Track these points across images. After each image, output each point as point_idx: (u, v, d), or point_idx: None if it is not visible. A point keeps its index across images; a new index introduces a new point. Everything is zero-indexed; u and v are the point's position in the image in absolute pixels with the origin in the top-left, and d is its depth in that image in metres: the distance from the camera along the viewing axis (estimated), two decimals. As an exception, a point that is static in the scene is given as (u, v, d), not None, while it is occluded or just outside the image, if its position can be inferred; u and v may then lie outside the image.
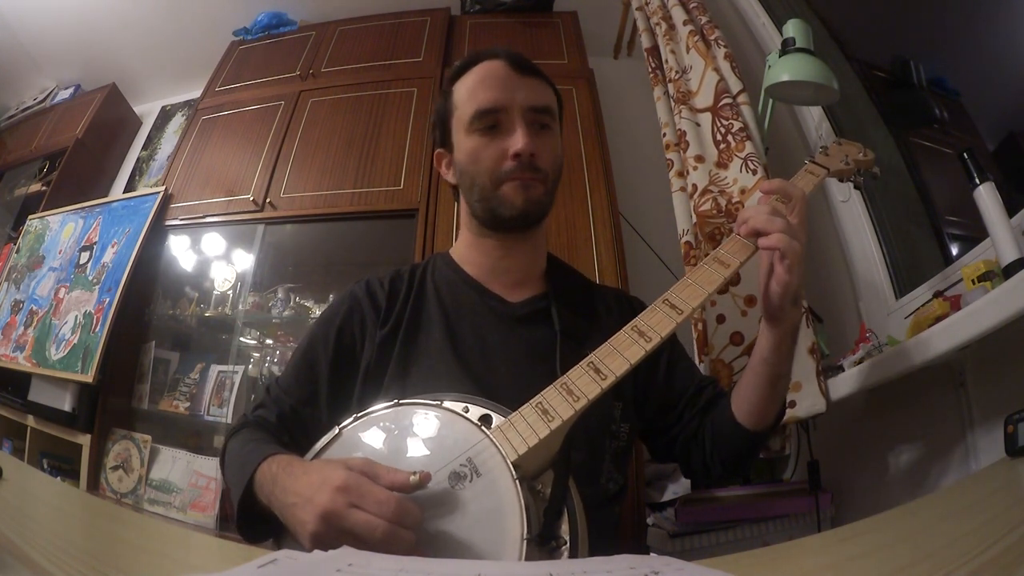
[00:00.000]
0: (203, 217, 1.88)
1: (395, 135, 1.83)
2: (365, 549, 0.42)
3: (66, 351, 1.77)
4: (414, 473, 0.47)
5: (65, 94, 2.77)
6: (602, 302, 0.84)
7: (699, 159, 1.27)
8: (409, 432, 0.54)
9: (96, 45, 2.61)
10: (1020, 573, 0.34)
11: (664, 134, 1.42)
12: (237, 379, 1.67)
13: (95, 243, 1.97)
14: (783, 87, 1.17)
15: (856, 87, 1.40)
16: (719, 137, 1.27)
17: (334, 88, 2.02)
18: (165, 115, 2.69)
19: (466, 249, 0.83)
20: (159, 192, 1.94)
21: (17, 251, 2.20)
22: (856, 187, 0.90)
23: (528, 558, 0.43)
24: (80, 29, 2.53)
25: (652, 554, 0.37)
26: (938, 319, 0.85)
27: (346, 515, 0.45)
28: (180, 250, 1.95)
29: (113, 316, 1.73)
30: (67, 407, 1.71)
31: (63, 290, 1.93)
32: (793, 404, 1.01)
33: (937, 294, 0.96)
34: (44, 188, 2.38)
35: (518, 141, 0.72)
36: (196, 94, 2.31)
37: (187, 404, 1.71)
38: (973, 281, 0.84)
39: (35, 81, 2.84)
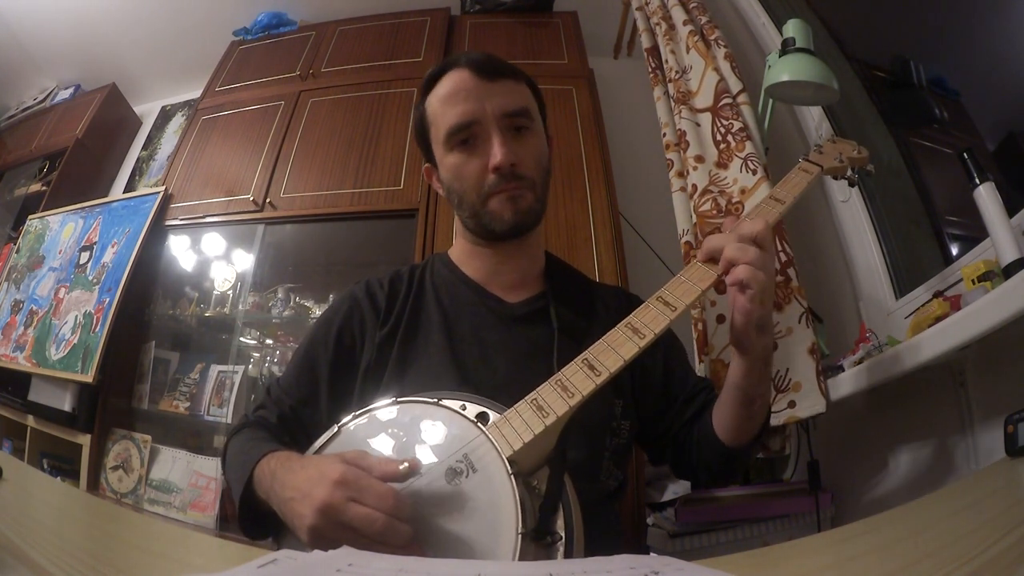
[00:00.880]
0: (203, 217, 1.88)
1: (395, 135, 1.83)
2: (362, 543, 0.43)
3: (66, 351, 1.77)
4: (402, 462, 0.47)
5: (65, 94, 2.77)
6: (601, 300, 0.84)
7: (699, 159, 1.27)
8: (407, 429, 0.55)
9: (96, 45, 2.61)
10: (1020, 573, 0.34)
11: (664, 134, 1.42)
12: (237, 379, 1.67)
13: (95, 243, 1.97)
14: (783, 87, 1.17)
15: (856, 87, 1.40)
16: (719, 137, 1.27)
17: (334, 88, 2.02)
18: (165, 115, 2.69)
19: (463, 254, 0.83)
20: (159, 192, 1.94)
21: (17, 251, 2.21)
22: (850, 184, 0.90)
23: (523, 553, 0.44)
24: (80, 29, 2.53)
25: (652, 554, 0.37)
26: (938, 319, 0.85)
27: (344, 508, 0.45)
28: (180, 250, 1.95)
29: (113, 316, 1.73)
30: (67, 407, 1.71)
31: (63, 290, 1.94)
32: (793, 404, 1.01)
33: (937, 294, 0.96)
34: (44, 188, 2.38)
35: (496, 155, 0.70)
36: (196, 94, 2.31)
37: (187, 404, 1.71)
38: (973, 281, 0.84)
39: (35, 81, 2.84)
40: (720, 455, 0.69)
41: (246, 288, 1.81)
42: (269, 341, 1.92)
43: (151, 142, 2.63)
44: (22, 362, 1.86)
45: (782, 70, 1.16)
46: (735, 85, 1.30)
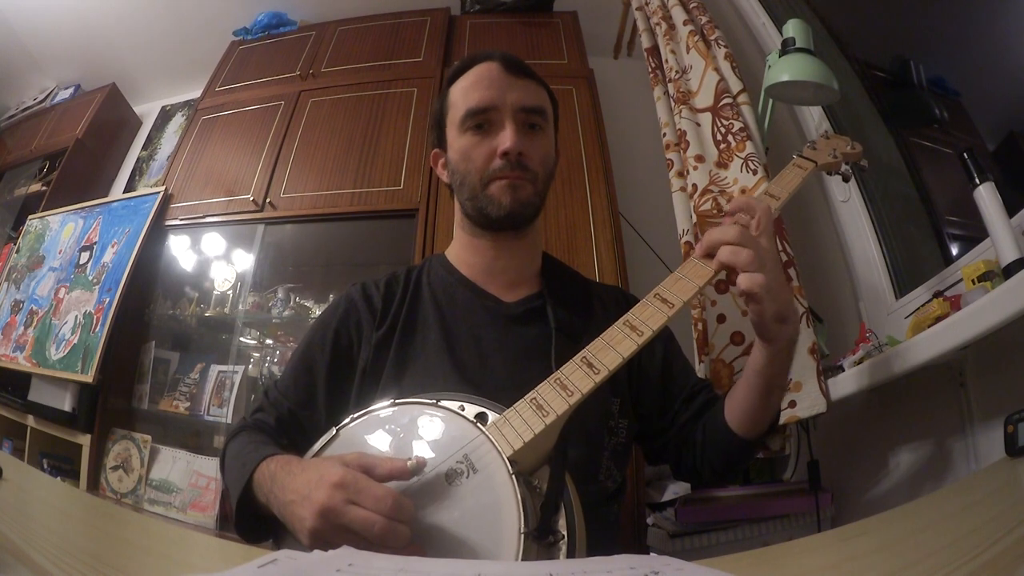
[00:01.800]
0: (203, 217, 1.88)
1: (395, 135, 1.83)
2: (362, 544, 0.43)
3: (66, 351, 1.77)
4: (410, 458, 0.47)
5: (65, 94, 2.77)
6: (598, 299, 0.84)
7: (699, 159, 1.27)
8: (406, 431, 0.55)
9: (96, 45, 2.61)
10: (1020, 573, 0.34)
11: (664, 134, 1.42)
12: (237, 379, 1.67)
13: (95, 243, 1.97)
14: (783, 87, 1.17)
15: (856, 87, 1.40)
16: (719, 137, 1.27)
17: (334, 88, 2.02)
18: (165, 115, 2.69)
19: (460, 250, 0.83)
20: (159, 192, 1.94)
21: (17, 251, 2.20)
22: (844, 179, 0.90)
23: (525, 553, 0.44)
24: (80, 29, 2.53)
25: (652, 554, 0.37)
26: (938, 319, 0.85)
27: (344, 511, 0.45)
28: (180, 250, 1.95)
29: (113, 316, 1.73)
30: (67, 407, 1.71)
31: (63, 290, 1.94)
32: (793, 404, 1.01)
33: (937, 294, 0.96)
34: (44, 188, 2.38)
35: (506, 140, 0.73)
36: (196, 94, 2.31)
37: (187, 404, 1.71)
38: (973, 281, 0.84)
39: (35, 81, 2.84)
40: (730, 449, 0.70)
41: (246, 288, 1.81)
42: (269, 341, 1.92)
43: (151, 142, 2.63)
44: (22, 362, 1.86)
45: (782, 70, 1.16)
46: (735, 85, 1.30)
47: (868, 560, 0.42)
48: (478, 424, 0.52)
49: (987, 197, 0.83)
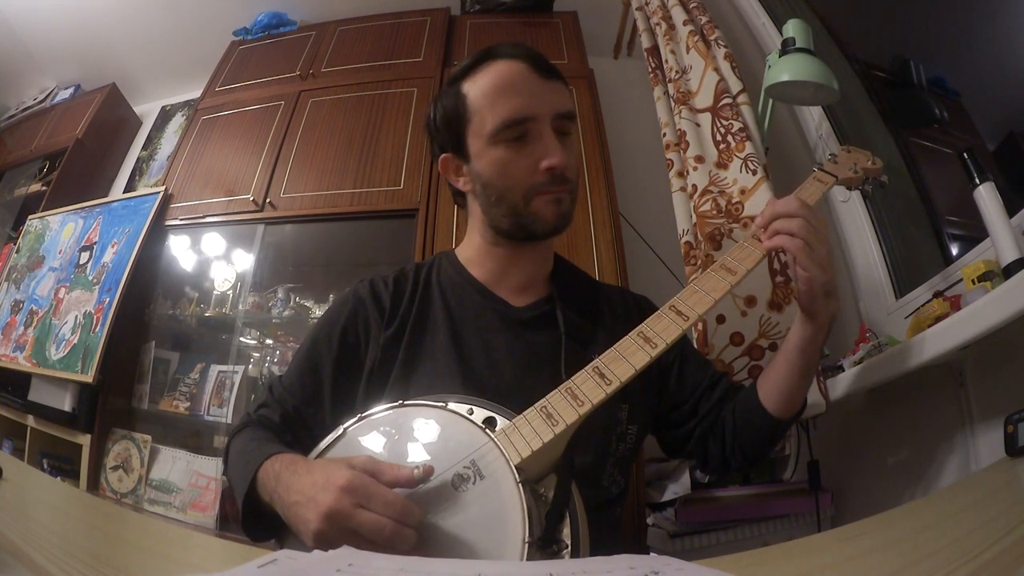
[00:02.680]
0: (203, 217, 1.88)
1: (395, 135, 1.83)
2: (367, 548, 0.43)
3: (66, 351, 1.77)
4: (417, 467, 0.47)
5: (65, 94, 2.77)
6: (607, 302, 0.83)
7: (699, 159, 1.27)
8: (413, 433, 0.55)
9: (96, 45, 2.61)
10: (1020, 573, 0.34)
11: (664, 134, 1.42)
12: (237, 379, 1.67)
13: (95, 243, 1.97)
14: (783, 87, 1.17)
15: (856, 87, 1.40)
16: (719, 137, 1.27)
17: (334, 88, 2.02)
18: (165, 115, 2.69)
19: (474, 253, 0.81)
20: (159, 192, 1.94)
21: (17, 251, 2.20)
22: (864, 196, 0.89)
23: (529, 561, 0.43)
24: (80, 29, 2.53)
25: (652, 554, 0.37)
26: (938, 319, 0.85)
27: (352, 515, 0.45)
28: (180, 250, 1.94)
29: (113, 316, 1.73)
30: (67, 407, 1.71)
31: (63, 290, 1.93)
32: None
33: (937, 294, 0.96)
34: (44, 188, 2.38)
35: (554, 156, 0.69)
36: (196, 94, 2.31)
37: (187, 404, 1.71)
38: (973, 281, 0.84)
39: (35, 81, 2.83)
40: (765, 430, 0.71)
41: (246, 288, 1.81)
42: (269, 341, 1.92)
43: (151, 142, 2.63)
44: (22, 362, 1.86)
45: (782, 70, 1.16)
46: (735, 85, 1.30)
47: (868, 560, 0.42)
48: (487, 430, 0.51)
49: (987, 197, 0.83)
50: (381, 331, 0.73)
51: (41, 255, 2.11)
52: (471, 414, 0.53)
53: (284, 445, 0.62)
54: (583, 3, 2.18)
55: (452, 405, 0.54)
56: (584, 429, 0.52)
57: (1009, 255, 0.79)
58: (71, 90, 2.77)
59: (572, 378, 0.54)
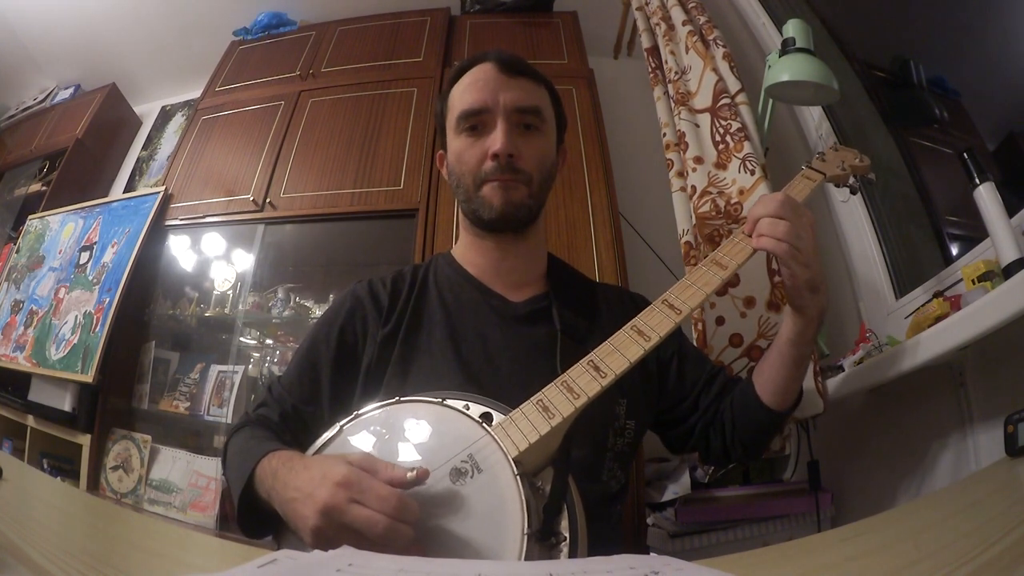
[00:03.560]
0: (203, 217, 1.88)
1: (395, 135, 1.83)
2: (364, 544, 0.43)
3: (66, 351, 1.77)
4: (411, 470, 0.47)
5: (65, 94, 2.77)
6: (604, 300, 0.84)
7: (698, 160, 1.27)
8: (411, 429, 0.55)
9: (96, 45, 2.61)
10: (1020, 573, 0.34)
11: (664, 134, 1.42)
12: (237, 379, 1.67)
13: (95, 243, 1.97)
14: (783, 87, 1.17)
15: (856, 87, 1.40)
16: (718, 138, 1.27)
17: (334, 88, 2.02)
18: (165, 115, 2.69)
19: (466, 250, 0.83)
20: (159, 192, 1.94)
21: (17, 251, 2.20)
22: (852, 192, 0.90)
23: (528, 554, 0.44)
24: (80, 29, 2.53)
25: (652, 554, 0.37)
26: (938, 319, 0.85)
27: (347, 510, 0.45)
28: (180, 250, 1.94)
29: (113, 316, 1.73)
30: (67, 407, 1.71)
31: (63, 290, 1.94)
32: (793, 404, 1.01)
33: (937, 294, 0.96)
34: (44, 188, 2.38)
35: (496, 141, 0.73)
36: (196, 94, 2.31)
37: (187, 404, 1.71)
38: (973, 281, 0.84)
39: (35, 81, 2.83)
40: (762, 422, 0.73)
41: (246, 288, 1.81)
42: (269, 341, 1.92)
43: (151, 142, 2.63)
44: (22, 362, 1.86)
45: (782, 70, 1.16)
46: (733, 85, 1.30)
47: (868, 560, 0.42)
48: (484, 424, 0.52)
49: (987, 197, 0.83)
50: (379, 329, 0.74)
51: (41, 255, 2.11)
52: (468, 409, 0.53)
53: (283, 444, 0.62)
54: (583, 3, 2.18)
55: (449, 401, 0.55)
56: (581, 423, 0.53)
57: (1009, 255, 0.79)
58: (71, 90, 2.77)
59: (568, 371, 0.55)
